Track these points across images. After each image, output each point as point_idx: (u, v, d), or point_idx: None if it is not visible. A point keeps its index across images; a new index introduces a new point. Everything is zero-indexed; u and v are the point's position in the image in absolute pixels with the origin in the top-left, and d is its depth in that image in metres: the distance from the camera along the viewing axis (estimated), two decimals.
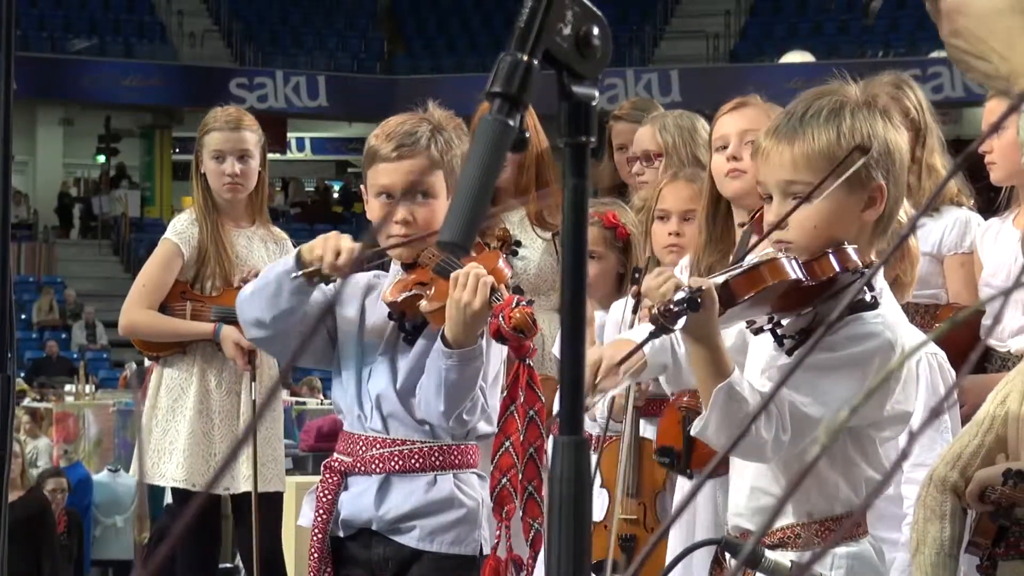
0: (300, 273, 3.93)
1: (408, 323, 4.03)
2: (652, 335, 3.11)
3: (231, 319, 5.86)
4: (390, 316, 4.03)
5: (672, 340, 3.52)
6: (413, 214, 3.99)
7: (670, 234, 4.88)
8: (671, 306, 3.04)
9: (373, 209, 4.11)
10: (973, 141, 1.68)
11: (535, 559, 3.84)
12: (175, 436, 5.96)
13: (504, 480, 3.83)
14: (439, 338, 3.88)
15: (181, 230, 6.05)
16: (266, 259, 5.94)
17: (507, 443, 3.82)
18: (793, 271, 3.15)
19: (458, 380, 3.87)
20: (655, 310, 3.07)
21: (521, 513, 3.83)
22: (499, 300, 3.79)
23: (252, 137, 6.06)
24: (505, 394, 3.83)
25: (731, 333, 3.32)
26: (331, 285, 4.04)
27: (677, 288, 3.07)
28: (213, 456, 5.92)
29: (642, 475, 4.71)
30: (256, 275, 5.80)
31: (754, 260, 3.17)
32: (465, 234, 1.60)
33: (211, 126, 6.06)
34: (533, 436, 3.80)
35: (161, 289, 6.00)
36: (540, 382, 3.87)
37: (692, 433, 3.33)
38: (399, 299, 3.98)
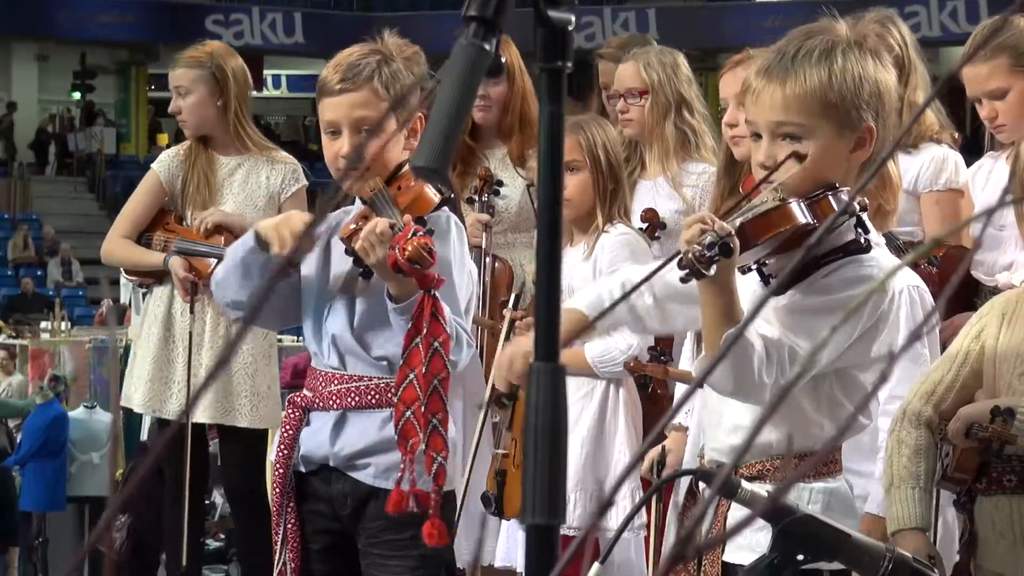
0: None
1: None
2: (684, 280, 3.07)
3: (192, 252, 5.87)
4: (347, 252, 3.95)
5: (614, 292, 3.43)
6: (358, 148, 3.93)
7: None
8: (706, 251, 3.00)
9: (324, 143, 4.05)
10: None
11: (439, 493, 3.82)
12: (143, 362, 6.00)
13: (408, 413, 3.80)
14: (386, 297, 3.84)
15: (163, 159, 6.09)
16: (253, 187, 5.97)
17: (411, 375, 3.78)
18: (803, 215, 3.14)
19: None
20: (687, 256, 3.02)
21: (424, 447, 3.81)
22: (399, 231, 3.74)
23: (187, 73, 6.02)
24: (410, 326, 3.79)
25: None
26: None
27: (703, 232, 3.02)
28: (176, 383, 5.94)
29: (515, 409, 4.56)
30: (209, 224, 5.83)
31: (765, 205, 3.15)
32: (439, 158, 1.59)
33: None
34: (437, 368, 3.77)
35: (138, 218, 6.02)
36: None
37: (695, 374, 3.28)
38: (349, 235, 3.92)
